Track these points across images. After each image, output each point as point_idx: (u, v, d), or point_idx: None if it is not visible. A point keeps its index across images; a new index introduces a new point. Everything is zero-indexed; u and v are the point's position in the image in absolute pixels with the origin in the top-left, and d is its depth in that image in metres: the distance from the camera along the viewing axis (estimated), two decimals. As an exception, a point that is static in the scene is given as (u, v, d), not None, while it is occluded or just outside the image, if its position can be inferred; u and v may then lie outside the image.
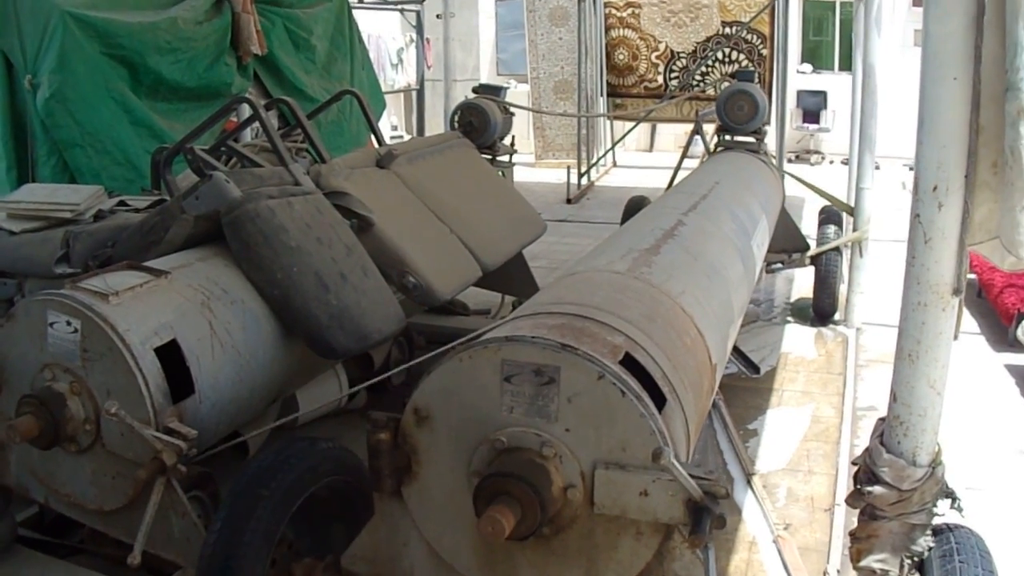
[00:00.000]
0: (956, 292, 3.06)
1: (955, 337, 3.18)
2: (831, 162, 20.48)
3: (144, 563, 4.21)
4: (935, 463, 3.26)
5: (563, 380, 3.25)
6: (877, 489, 3.26)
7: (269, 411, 5.37)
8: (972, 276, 10.12)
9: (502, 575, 3.59)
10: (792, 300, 10.37)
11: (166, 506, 4.21)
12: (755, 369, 8.06)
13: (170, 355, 4.36)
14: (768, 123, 9.81)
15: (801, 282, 10.66)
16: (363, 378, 6.05)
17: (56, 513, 4.72)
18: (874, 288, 9.46)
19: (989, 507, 5.64)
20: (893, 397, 3.23)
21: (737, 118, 9.04)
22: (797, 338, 9.15)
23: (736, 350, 8.15)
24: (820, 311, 9.50)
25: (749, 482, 6.15)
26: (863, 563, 3.38)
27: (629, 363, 3.40)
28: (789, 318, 9.76)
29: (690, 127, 10.74)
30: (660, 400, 3.42)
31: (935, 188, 2.98)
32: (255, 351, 4.83)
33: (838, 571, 5.19)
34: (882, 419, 3.36)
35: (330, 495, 4.13)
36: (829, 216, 9.84)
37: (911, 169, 11.70)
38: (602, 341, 3.41)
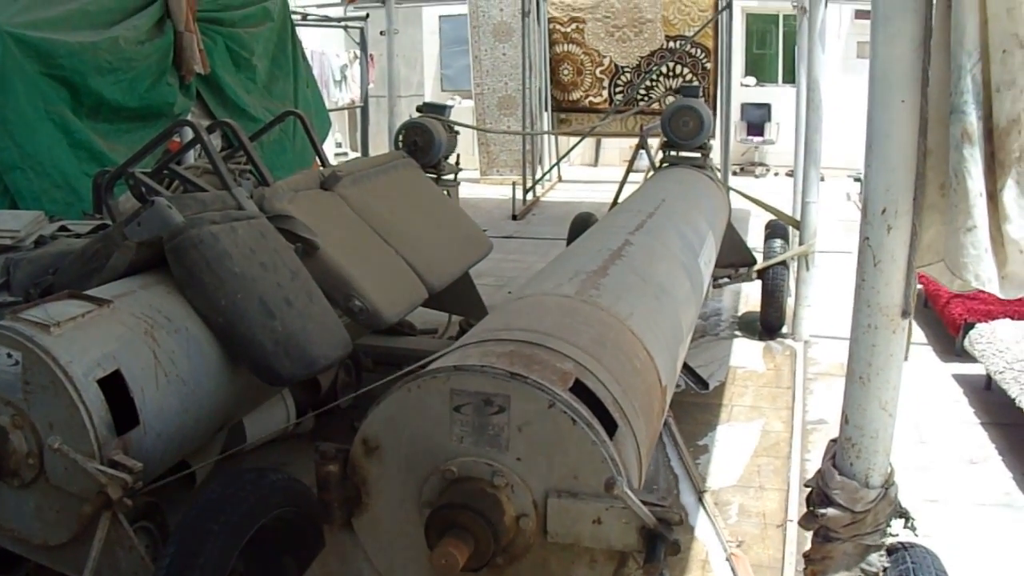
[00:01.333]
0: (905, 314, 3.06)
1: (905, 358, 3.18)
2: (776, 174, 20.63)
3: None
4: (888, 484, 3.27)
5: (513, 409, 3.22)
6: (831, 511, 3.26)
7: (216, 439, 5.30)
8: (919, 287, 10.19)
9: (455, 606, 3.56)
10: (739, 314, 10.41)
11: (112, 540, 4.14)
12: (704, 385, 8.06)
13: (113, 386, 4.28)
14: (713, 137, 9.84)
15: (748, 296, 10.72)
16: (310, 401, 6.00)
17: (0, 548, 4.61)
18: (821, 301, 9.53)
19: (941, 518, 5.67)
20: (845, 419, 3.23)
21: (682, 133, 9.08)
22: (745, 352, 9.18)
23: (684, 366, 8.15)
24: (768, 325, 9.54)
25: (701, 499, 6.14)
26: (818, 585, 3.38)
27: (579, 389, 3.37)
28: (737, 332, 9.79)
29: (635, 141, 10.75)
30: (611, 426, 3.39)
31: (884, 211, 2.99)
32: (200, 379, 4.77)
33: (792, 588, 5.20)
34: (834, 440, 3.36)
35: (280, 526, 4.08)
36: (775, 230, 9.90)
37: (856, 180, 11.94)
38: (551, 368, 3.38)
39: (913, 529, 3.42)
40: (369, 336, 7.36)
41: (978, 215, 2.87)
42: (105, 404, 4.20)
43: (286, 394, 6.08)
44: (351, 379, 6.86)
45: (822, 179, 9.71)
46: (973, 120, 2.86)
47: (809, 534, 3.45)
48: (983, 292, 7.76)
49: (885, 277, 3.02)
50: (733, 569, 5.42)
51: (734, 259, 9.42)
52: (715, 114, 13.32)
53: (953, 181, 2.89)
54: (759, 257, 9.67)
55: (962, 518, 5.90)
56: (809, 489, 3.45)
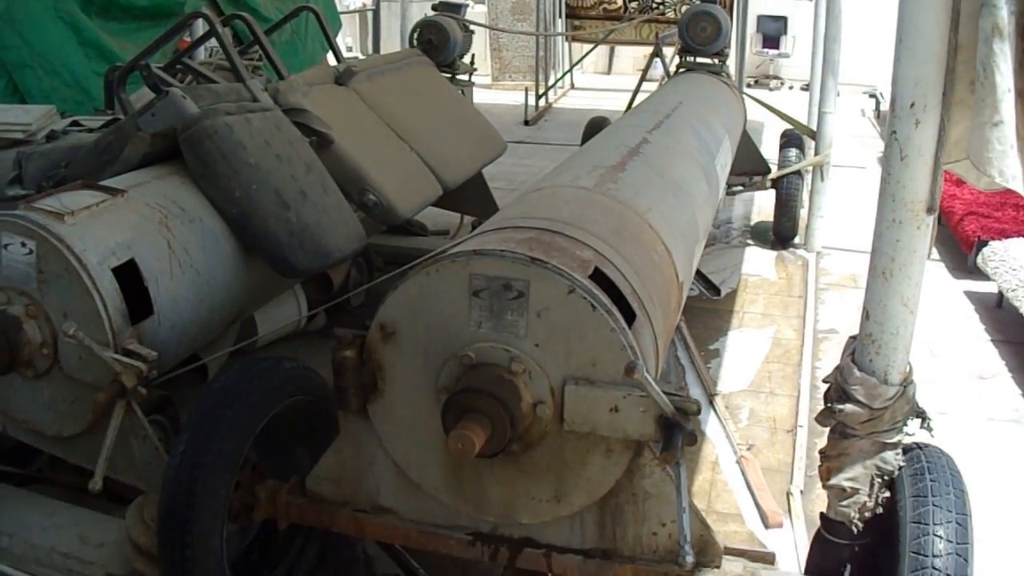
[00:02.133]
0: (931, 210, 3.03)
1: (928, 256, 3.16)
2: (790, 88, 20.49)
3: (104, 490, 4.17)
4: (906, 382, 3.26)
5: (532, 294, 3.19)
6: (848, 407, 3.25)
7: (228, 333, 5.29)
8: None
9: (470, 494, 3.56)
10: (752, 223, 10.37)
11: (126, 430, 4.14)
12: (715, 291, 8.08)
13: (128, 275, 4.27)
14: (729, 46, 9.74)
15: (761, 205, 10.67)
16: (322, 299, 5.99)
17: (14, 441, 4.64)
18: (834, 214, 9.49)
19: (950, 431, 5.69)
20: (866, 315, 3.21)
21: (700, 39, 8.98)
22: (757, 261, 9.17)
23: (697, 272, 8.15)
24: (780, 234, 9.52)
25: (712, 403, 6.16)
26: (833, 481, 3.38)
27: (598, 278, 3.35)
28: (749, 241, 9.77)
29: (649, 50, 10.64)
30: (629, 315, 3.37)
31: (912, 105, 2.95)
32: (215, 271, 4.75)
33: (801, 491, 5.22)
34: (853, 337, 3.34)
35: (294, 416, 4.07)
36: (790, 140, 9.83)
37: (871, 96, 11.85)
38: (571, 255, 3.35)
39: (929, 429, 3.42)
40: (381, 236, 7.35)
41: (1005, 111, 2.83)
42: (119, 293, 4.19)
43: (298, 290, 6.07)
44: (363, 278, 6.84)
45: (837, 94, 9.62)
46: (1004, 15, 2.81)
47: (818, 440, 3.45)
48: (998, 211, 7.80)
49: (911, 172, 2.98)
50: (743, 471, 5.45)
51: (748, 167, 9.37)
52: (731, 24, 13.18)
53: (981, 75, 2.85)
54: (773, 167, 9.60)
55: (971, 431, 5.92)
56: (827, 385, 3.43)
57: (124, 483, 4.31)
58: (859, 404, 3.23)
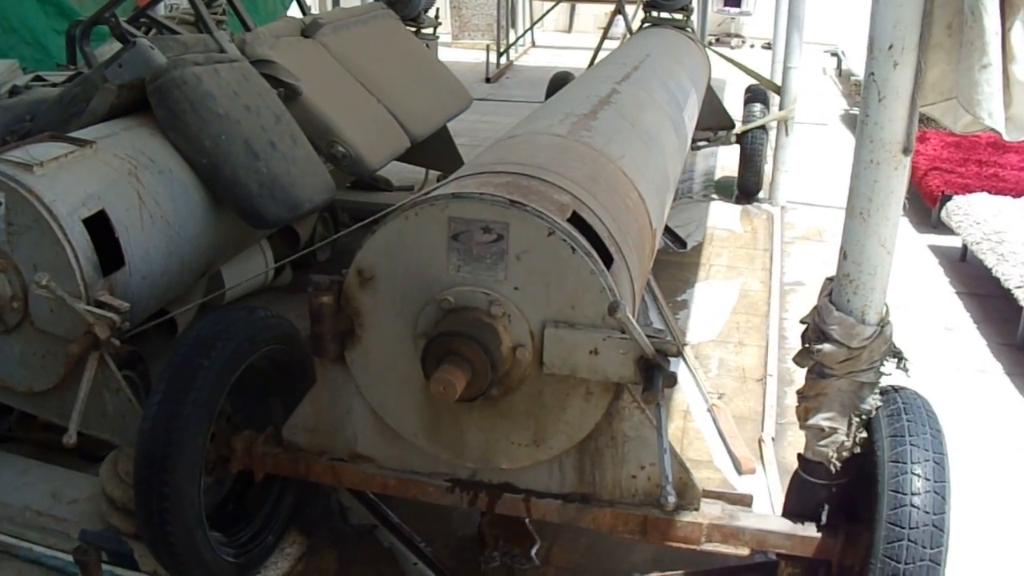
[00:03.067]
0: (907, 151, 3.04)
1: (904, 197, 3.17)
2: (752, 46, 20.50)
3: (75, 447, 4.14)
4: (883, 322, 3.27)
5: (512, 237, 3.19)
6: (826, 347, 3.26)
7: (196, 287, 5.27)
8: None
9: (449, 439, 3.57)
10: (716, 178, 10.39)
11: (99, 383, 4.11)
12: (682, 244, 8.11)
13: (98, 226, 4.23)
14: (692, 2, 9.72)
15: (723, 160, 10.69)
16: (288, 254, 5.96)
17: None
18: (797, 169, 9.52)
19: (917, 382, 5.72)
20: (843, 255, 3.22)
21: (665, -7, 8.96)
22: (723, 215, 9.19)
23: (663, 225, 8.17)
24: (745, 189, 9.56)
25: (681, 353, 6.17)
26: (811, 421, 3.40)
27: (576, 221, 3.35)
28: (714, 196, 9.79)
29: (610, 8, 10.60)
30: (607, 259, 3.37)
31: (890, 47, 2.94)
32: (185, 222, 4.72)
33: (772, 438, 5.26)
34: (830, 278, 3.35)
35: (268, 366, 4.05)
36: (755, 95, 9.84)
37: (832, 55, 11.89)
38: (549, 199, 3.34)
39: (906, 370, 3.44)
40: (346, 191, 7.33)
41: (993, 53, 2.83)
42: (91, 243, 4.15)
43: (264, 245, 6.05)
44: (329, 233, 6.82)
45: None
46: (990, -43, 2.81)
47: (788, 389, 3.48)
48: (961, 167, 7.86)
49: (889, 113, 2.98)
50: (714, 419, 5.48)
51: (713, 123, 9.37)
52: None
53: (969, 18, 2.84)
54: (738, 124, 9.61)
55: (938, 381, 5.97)
56: (804, 326, 3.45)
57: (96, 440, 4.28)
58: (837, 344, 3.24)
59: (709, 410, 5.56)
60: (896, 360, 3.42)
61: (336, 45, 6.61)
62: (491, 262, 3.23)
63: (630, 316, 3.05)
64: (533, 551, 4.16)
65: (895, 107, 2.97)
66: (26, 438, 4.82)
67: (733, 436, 5.25)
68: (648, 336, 3.14)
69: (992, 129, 2.91)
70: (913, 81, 2.95)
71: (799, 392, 3.47)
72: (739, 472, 5.00)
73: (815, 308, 3.36)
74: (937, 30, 2.97)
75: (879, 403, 3.35)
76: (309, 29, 6.54)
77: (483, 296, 3.25)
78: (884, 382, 3.40)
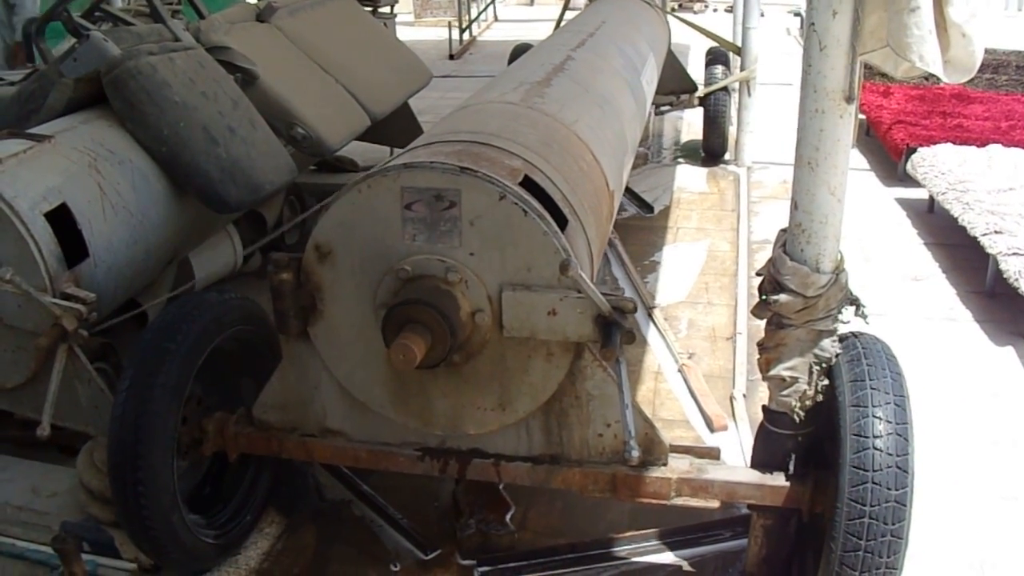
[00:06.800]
0: (850, 99, 3.07)
1: (852, 144, 3.20)
2: (715, 10, 20.57)
3: (53, 442, 4.18)
4: (838, 270, 3.29)
5: (464, 203, 3.21)
6: (783, 297, 3.29)
7: (165, 276, 5.27)
8: (861, 116, 10.28)
9: (416, 408, 3.60)
10: (682, 142, 10.42)
11: (71, 375, 4.13)
12: (649, 208, 8.15)
13: (61, 220, 4.24)
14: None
15: (690, 123, 10.72)
16: (256, 239, 5.97)
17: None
18: (763, 130, 9.55)
19: (887, 331, 5.77)
20: (794, 205, 3.25)
21: (622, -39, 8.94)
22: (690, 178, 9.23)
23: (629, 191, 8.21)
24: (710, 151, 9.61)
25: (650, 315, 6.22)
26: (772, 372, 3.43)
27: (529, 185, 3.37)
28: (680, 159, 9.81)
29: (571, -20, 10.62)
30: (562, 221, 3.40)
31: (829, -4, 2.98)
32: (147, 211, 4.73)
33: (744, 395, 5.30)
34: (784, 230, 3.38)
35: (237, 348, 4.08)
36: (716, 57, 9.86)
37: (796, 15, 11.88)
38: (501, 164, 3.37)
39: (864, 316, 3.46)
40: (312, 174, 7.34)
41: (921, -4, 2.86)
42: (54, 237, 4.17)
43: (232, 231, 6.04)
44: (295, 216, 6.82)
45: (762, 14, 9.67)
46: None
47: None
48: (925, 119, 7.88)
49: (831, 61, 3.01)
50: (685, 378, 5.52)
51: (675, 87, 9.40)
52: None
53: (896, -37, 2.87)
54: (700, 87, 9.64)
55: (908, 330, 6.03)
56: (761, 278, 3.48)
57: (73, 432, 4.32)
58: (793, 293, 3.26)
59: (680, 370, 5.59)
60: (854, 307, 3.45)
61: (292, 28, 6.62)
62: (446, 229, 3.26)
63: (583, 274, 3.07)
64: (508, 517, 4.22)
65: (836, 55, 3.01)
66: (4, 436, 4.82)
67: (704, 395, 5.30)
68: (604, 294, 3.18)
69: (929, 74, 2.94)
70: (851, 29, 2.98)
71: (759, 344, 3.51)
72: (711, 430, 5.04)
73: (770, 260, 3.39)
74: (873, -24, 3.00)
75: (838, 350, 3.38)
76: (264, 14, 6.55)
77: (439, 263, 3.28)
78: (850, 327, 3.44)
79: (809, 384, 3.39)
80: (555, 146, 3.86)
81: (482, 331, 3.34)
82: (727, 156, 9.65)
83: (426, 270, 3.30)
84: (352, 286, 3.44)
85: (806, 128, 3.14)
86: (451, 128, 3.86)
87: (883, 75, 11.16)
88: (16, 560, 4.25)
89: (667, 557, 4.14)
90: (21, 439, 4.70)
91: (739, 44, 9.54)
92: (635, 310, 3.22)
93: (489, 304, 3.31)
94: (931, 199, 7.90)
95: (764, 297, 3.40)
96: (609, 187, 4.24)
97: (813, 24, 3.03)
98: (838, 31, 2.98)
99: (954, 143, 8.39)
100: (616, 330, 3.18)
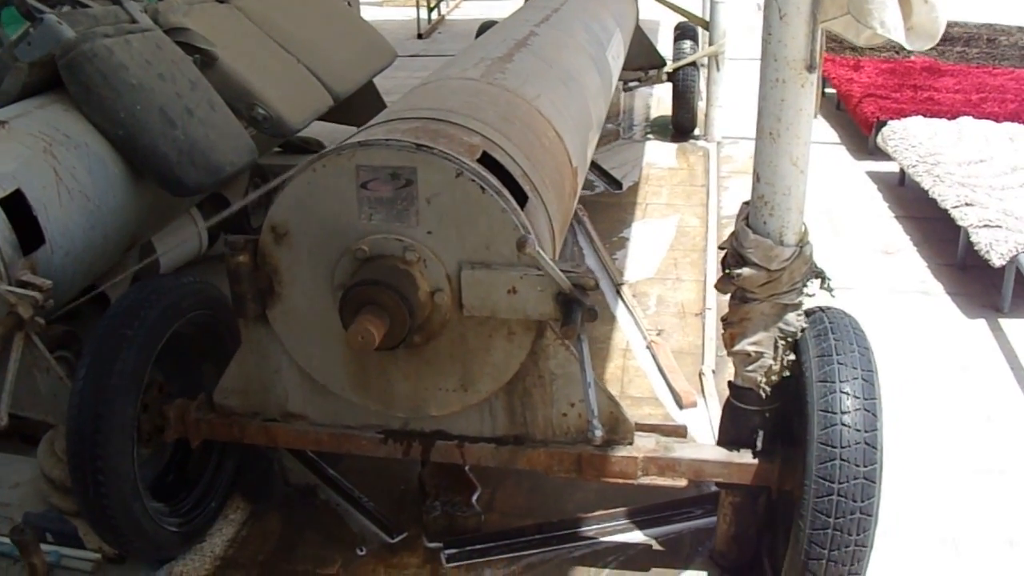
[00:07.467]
0: (811, 68, 3.02)
1: (815, 115, 3.15)
2: (687, -14, 20.44)
3: (18, 432, 4.19)
4: (802, 242, 3.25)
5: (420, 181, 3.16)
6: (746, 271, 3.25)
7: (127, 259, 5.20)
8: (831, 91, 10.25)
9: (377, 390, 3.56)
10: (651, 118, 10.37)
11: (29, 364, 4.04)
12: (617, 185, 8.12)
13: (16, 206, 4.17)
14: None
15: (660, 99, 10.67)
16: (221, 222, 5.90)
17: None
18: (733, 105, 9.50)
19: (859, 304, 5.77)
20: (756, 177, 3.21)
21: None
22: (659, 154, 9.18)
23: (598, 167, 8.18)
24: (680, 126, 9.56)
25: (619, 291, 6.18)
26: (737, 347, 3.39)
27: (488, 162, 3.32)
28: (649, 136, 9.76)
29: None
30: (522, 198, 3.35)
31: (788, -38, 2.93)
32: (104, 195, 4.66)
33: (713, 371, 5.27)
34: (746, 203, 3.34)
35: (197, 333, 4.03)
36: (684, 32, 9.80)
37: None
38: (458, 141, 3.32)
39: (830, 290, 3.43)
40: (278, 156, 7.27)
41: (882, -39, 2.82)
42: (8, 224, 4.09)
43: (196, 214, 5.98)
44: (261, 198, 6.75)
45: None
46: None
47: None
48: (896, 92, 7.85)
49: (791, 30, 2.97)
50: (654, 355, 5.48)
51: (643, 63, 9.34)
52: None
53: (857, -74, 2.83)
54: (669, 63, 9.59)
55: (880, 304, 6.02)
56: (723, 252, 3.44)
57: (36, 423, 4.25)
58: (756, 267, 3.22)
59: (648, 347, 5.56)
60: (820, 280, 3.41)
61: (252, 7, 6.53)
62: (402, 208, 3.21)
63: (541, 251, 3.02)
64: (474, 498, 4.18)
65: (796, 24, 2.96)
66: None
67: (673, 371, 5.26)
68: (564, 271, 3.13)
69: (891, 39, 2.90)
70: (812, -3, 2.94)
71: (723, 318, 3.48)
72: (680, 406, 5.01)
73: (733, 233, 3.35)
74: (833, -58, 2.96)
75: (804, 324, 3.34)
76: (224, -7, 6.46)
77: (397, 243, 3.23)
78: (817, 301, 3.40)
79: (775, 359, 3.36)
80: (516, 122, 3.81)
81: (442, 311, 3.29)
82: (697, 131, 9.59)
83: (384, 250, 3.25)
84: (309, 267, 3.39)
85: (767, 98, 3.11)
86: (409, 105, 3.80)
87: (853, 48, 11.22)
88: (-20, 552, 4.19)
89: (636, 536, 4.10)
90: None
91: (707, 19, 9.48)
92: (596, 287, 3.18)
93: (448, 283, 3.26)
94: (902, 172, 7.87)
95: (727, 271, 3.36)
96: (572, 163, 4.19)
97: (772, -8, 2.99)
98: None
99: (924, 116, 8.37)
100: (577, 308, 3.13)
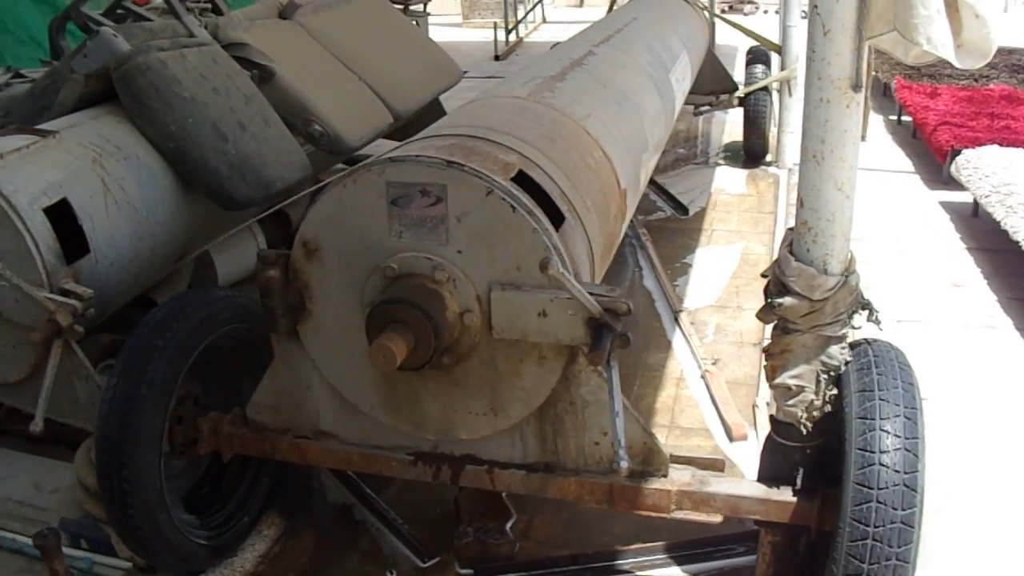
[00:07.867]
0: (857, 87, 2.91)
1: (863, 138, 3.04)
2: (765, 12, 20.35)
3: (62, 438, 4.19)
4: (848, 271, 3.12)
5: (451, 199, 3.10)
6: (787, 300, 3.12)
7: (182, 271, 5.20)
8: (907, 118, 10.07)
9: (406, 411, 3.50)
10: (724, 143, 10.27)
11: (68, 371, 4.07)
12: (684, 210, 8.02)
13: (62, 215, 4.18)
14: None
15: (733, 125, 10.55)
16: (281, 236, 5.90)
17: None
18: (806, 129, 9.37)
19: (926, 339, 5.62)
20: (800, 203, 3.10)
21: (668, -39, 8.80)
22: (729, 179, 9.08)
23: (664, 192, 8.10)
24: (751, 152, 9.43)
25: (676, 319, 6.08)
26: (778, 380, 3.27)
27: (523, 180, 3.25)
28: (720, 161, 9.66)
29: (621, -19, 10.47)
30: (558, 218, 3.27)
31: (833, -24, 2.83)
32: (153, 207, 4.66)
33: (767, 403, 5.14)
34: (791, 229, 3.22)
35: (235, 346, 4.00)
36: (756, 56, 9.69)
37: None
38: (493, 159, 3.25)
39: (877, 322, 3.29)
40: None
41: (929, -27, 2.71)
42: (52, 233, 4.10)
43: (256, 229, 5.96)
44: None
45: (803, 15, 9.50)
46: None
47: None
48: (972, 120, 7.66)
49: (836, 47, 2.86)
50: (708, 386, 5.37)
51: (716, 87, 9.24)
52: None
53: (904, -60, 2.73)
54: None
55: (946, 339, 5.84)
56: (766, 280, 3.33)
57: (79, 429, 4.24)
58: (798, 296, 3.10)
59: (703, 376, 5.45)
60: (867, 312, 3.28)
61: (315, 25, 6.55)
62: (432, 226, 3.15)
63: (564, 272, 2.94)
64: (508, 525, 4.10)
65: (841, 40, 2.86)
66: (14, 431, 4.79)
67: (726, 402, 5.15)
68: (595, 295, 3.04)
69: (939, 57, 2.79)
70: (857, 12, 2.83)
71: (765, 350, 3.36)
72: (731, 439, 4.89)
73: (775, 261, 3.24)
74: (879, -44, 2.85)
75: (848, 357, 3.21)
76: (287, 10, 6.51)
77: (426, 261, 3.17)
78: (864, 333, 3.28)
79: (816, 394, 3.22)
80: (559, 140, 3.74)
81: (471, 332, 3.22)
82: (768, 157, 9.46)
83: (413, 268, 3.19)
84: (340, 284, 3.34)
85: (811, 119, 3.00)
86: (451, 122, 3.75)
87: (931, 76, 11.03)
88: (15, 555, 4.23)
89: (674, 572, 3.99)
90: (29, 435, 4.65)
91: (780, 44, 9.36)
92: (629, 312, 3.08)
93: (478, 304, 3.19)
94: (975, 203, 7.67)
95: (769, 300, 3.25)
96: (620, 185, 4.10)
97: (816, 7, 2.88)
98: (843, 14, 2.83)
99: (1000, 145, 8.16)
100: (607, 333, 3.04)
